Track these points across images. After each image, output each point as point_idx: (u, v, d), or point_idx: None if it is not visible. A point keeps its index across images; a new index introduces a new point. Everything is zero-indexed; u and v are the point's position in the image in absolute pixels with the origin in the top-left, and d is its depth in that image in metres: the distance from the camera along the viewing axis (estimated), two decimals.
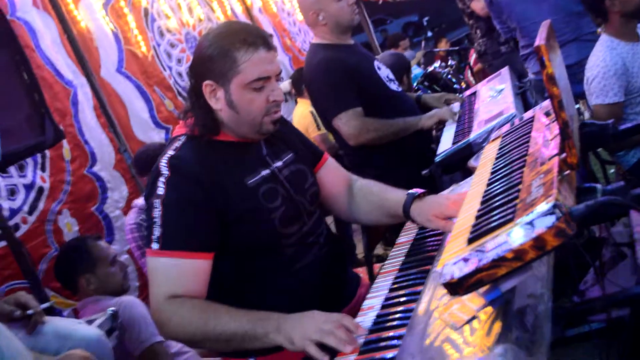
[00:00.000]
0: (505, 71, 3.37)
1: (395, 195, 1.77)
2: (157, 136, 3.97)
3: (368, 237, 2.32)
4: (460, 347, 1.02)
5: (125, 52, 4.00)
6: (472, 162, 2.06)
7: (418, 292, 1.39)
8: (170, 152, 1.60)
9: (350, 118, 2.64)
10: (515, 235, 0.97)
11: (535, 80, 3.51)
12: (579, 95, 2.71)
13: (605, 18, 2.72)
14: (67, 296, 2.89)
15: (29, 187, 3.04)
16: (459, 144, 2.51)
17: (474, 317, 1.07)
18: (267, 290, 1.63)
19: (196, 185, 1.53)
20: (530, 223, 0.96)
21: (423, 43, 8.24)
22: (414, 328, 1.21)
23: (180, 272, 1.50)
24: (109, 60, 3.87)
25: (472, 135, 2.49)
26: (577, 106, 1.62)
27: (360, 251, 3.67)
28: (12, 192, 2.97)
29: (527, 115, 1.73)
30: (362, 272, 2.14)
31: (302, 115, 4.67)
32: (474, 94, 3.28)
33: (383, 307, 1.42)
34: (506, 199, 1.16)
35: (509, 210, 1.08)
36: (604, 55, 2.65)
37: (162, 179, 1.54)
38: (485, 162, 1.59)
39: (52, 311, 2.52)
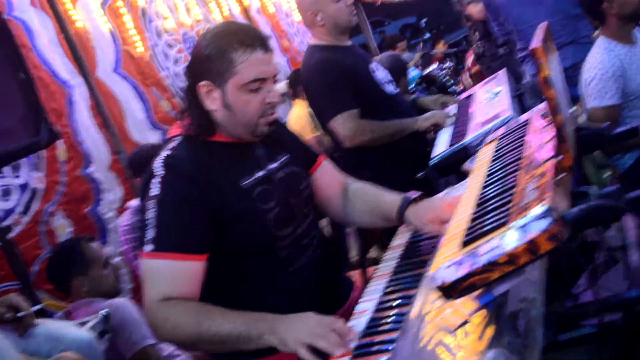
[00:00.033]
0: (502, 73, 3.36)
1: (391, 199, 1.76)
2: (153, 137, 3.94)
3: (363, 240, 2.32)
4: (453, 351, 1.01)
5: (122, 52, 3.99)
6: (467, 165, 2.05)
7: (411, 295, 1.38)
8: (166, 152, 1.59)
9: (346, 120, 2.63)
10: (509, 239, 0.95)
11: (532, 83, 3.50)
12: (575, 98, 2.71)
13: (603, 21, 2.72)
14: (60, 298, 2.88)
15: (23, 188, 3.03)
16: (455, 146, 2.50)
17: (466, 321, 1.06)
18: (261, 292, 1.63)
19: (192, 184, 1.53)
20: (524, 226, 0.95)
21: (421, 45, 8.24)
22: (406, 332, 1.21)
23: (173, 275, 1.49)
24: (106, 61, 3.86)
25: (468, 138, 2.48)
26: (572, 109, 1.61)
27: (353, 254, 3.66)
28: (6, 193, 2.96)
29: (523, 117, 1.73)
30: (355, 275, 2.13)
31: (298, 116, 4.66)
32: (471, 96, 3.27)
33: (376, 310, 1.41)
34: (500, 202, 1.15)
35: (503, 214, 1.07)
36: (602, 58, 2.65)
37: (156, 179, 1.54)
38: (480, 165, 1.58)
39: (44, 313, 2.51)
